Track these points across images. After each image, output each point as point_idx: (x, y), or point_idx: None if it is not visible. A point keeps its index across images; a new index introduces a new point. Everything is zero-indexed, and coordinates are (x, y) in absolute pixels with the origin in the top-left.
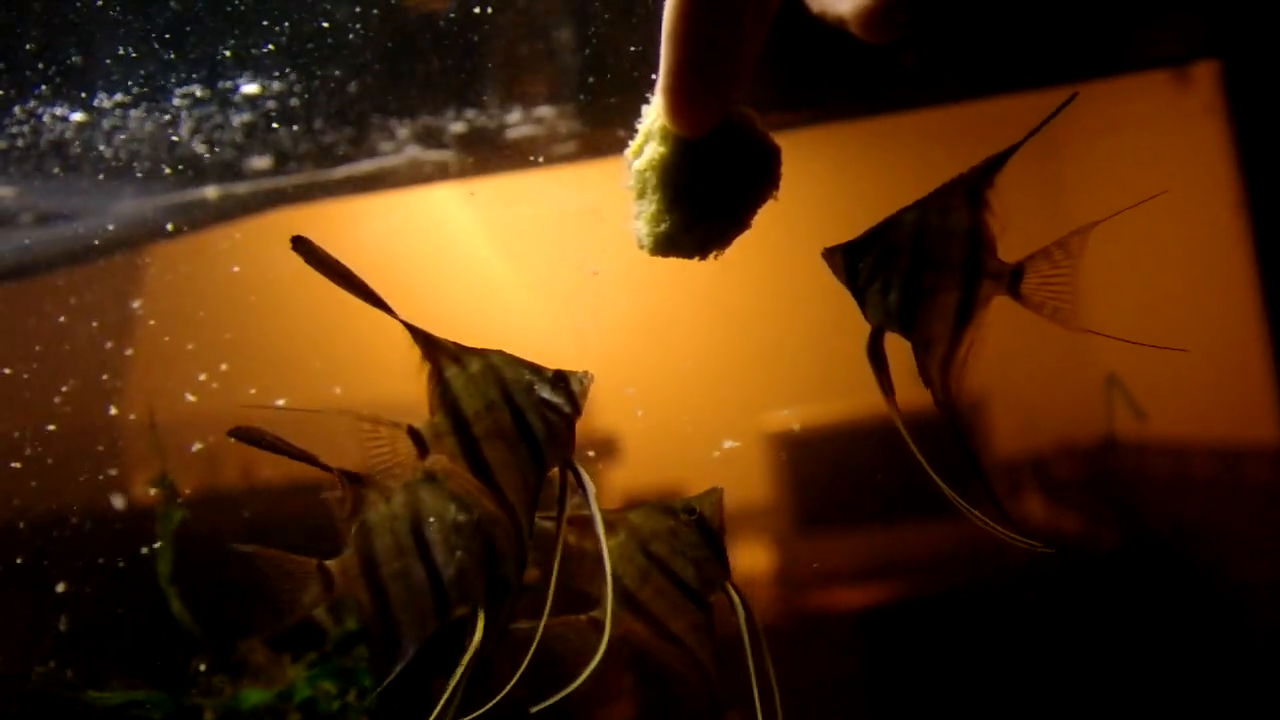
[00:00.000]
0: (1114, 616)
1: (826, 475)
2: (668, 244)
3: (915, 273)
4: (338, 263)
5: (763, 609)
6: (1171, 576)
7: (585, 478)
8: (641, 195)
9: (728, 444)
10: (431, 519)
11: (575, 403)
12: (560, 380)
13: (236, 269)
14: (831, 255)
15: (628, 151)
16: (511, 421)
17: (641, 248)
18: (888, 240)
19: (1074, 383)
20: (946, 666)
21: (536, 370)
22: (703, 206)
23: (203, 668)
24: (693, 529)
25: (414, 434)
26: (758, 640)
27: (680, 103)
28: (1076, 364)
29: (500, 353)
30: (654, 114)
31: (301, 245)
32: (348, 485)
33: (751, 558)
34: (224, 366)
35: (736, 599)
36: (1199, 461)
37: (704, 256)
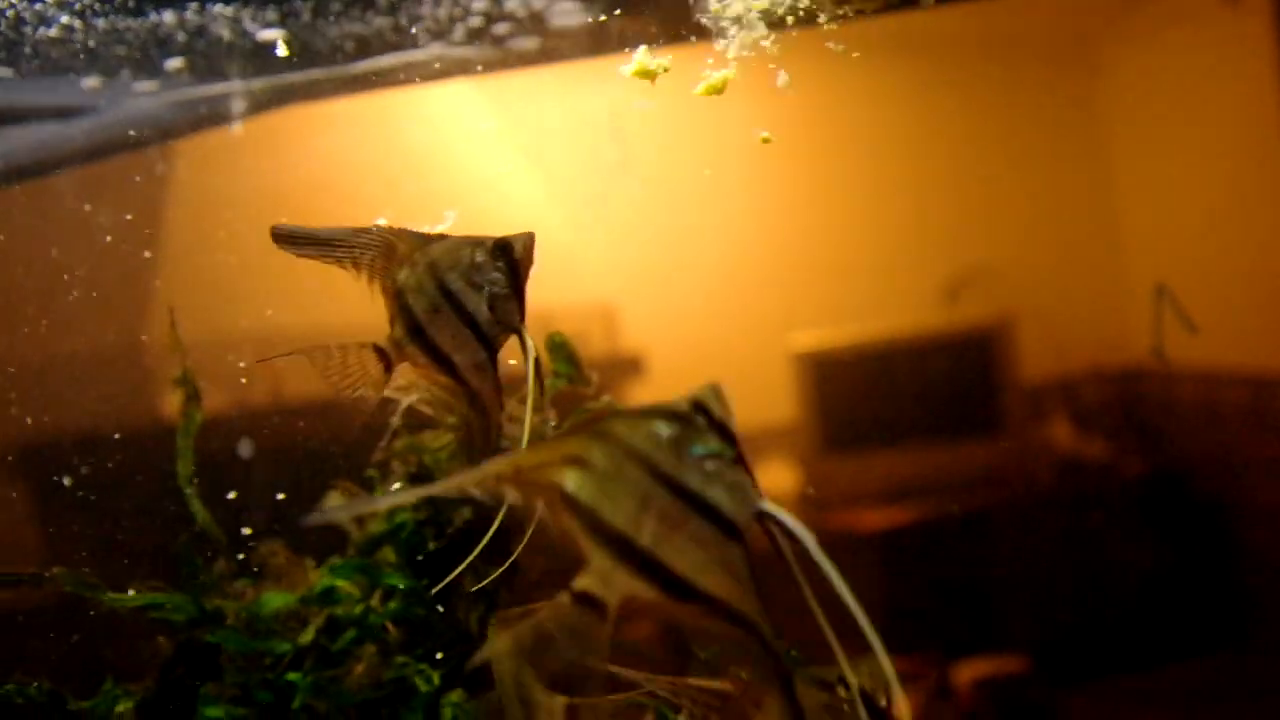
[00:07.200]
0: (1137, 541)
1: (852, 396)
2: None
3: None
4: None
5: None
6: (1196, 503)
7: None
8: None
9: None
10: None
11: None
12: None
13: (246, 171)
14: None
15: None
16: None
17: None
18: None
19: (1105, 308)
20: (969, 587)
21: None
22: None
23: (224, 571)
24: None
25: (378, 350)
26: None
27: None
28: (1108, 289)
29: (442, 239)
30: None
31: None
32: None
33: (776, 477)
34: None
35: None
36: (1228, 390)
37: None
